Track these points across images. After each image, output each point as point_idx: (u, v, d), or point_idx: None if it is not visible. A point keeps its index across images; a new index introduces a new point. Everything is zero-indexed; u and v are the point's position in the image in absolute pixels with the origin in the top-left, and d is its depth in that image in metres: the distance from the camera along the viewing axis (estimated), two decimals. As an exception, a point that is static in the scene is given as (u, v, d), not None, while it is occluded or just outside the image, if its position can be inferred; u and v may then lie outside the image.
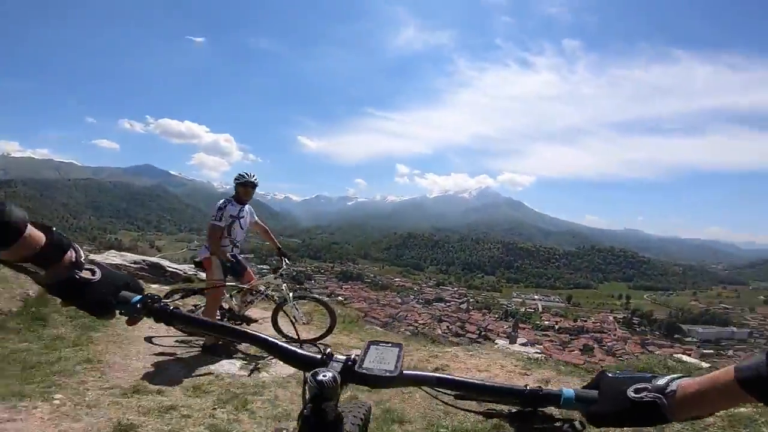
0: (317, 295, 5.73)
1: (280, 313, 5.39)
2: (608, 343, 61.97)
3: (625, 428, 0.67)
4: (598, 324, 75.79)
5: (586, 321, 77.92)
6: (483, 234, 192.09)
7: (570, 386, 0.74)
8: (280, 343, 0.82)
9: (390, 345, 0.84)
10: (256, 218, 5.47)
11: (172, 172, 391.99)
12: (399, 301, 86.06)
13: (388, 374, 0.75)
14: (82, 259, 0.78)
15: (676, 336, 66.69)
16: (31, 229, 0.74)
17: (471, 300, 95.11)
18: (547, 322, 78.25)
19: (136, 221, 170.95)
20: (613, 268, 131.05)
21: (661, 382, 0.64)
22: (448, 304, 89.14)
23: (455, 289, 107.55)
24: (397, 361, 0.78)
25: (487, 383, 0.77)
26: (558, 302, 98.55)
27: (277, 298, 5.27)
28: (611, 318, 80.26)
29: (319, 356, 0.79)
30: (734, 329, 65.22)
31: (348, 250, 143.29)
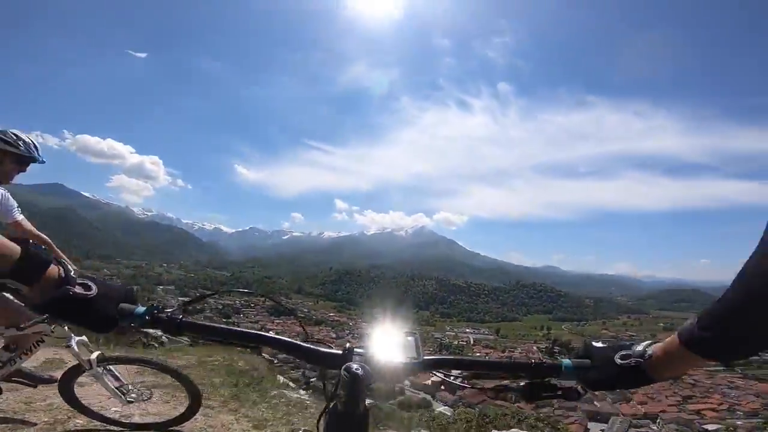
0: (163, 362, 2.82)
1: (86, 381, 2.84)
2: (532, 359, 65.59)
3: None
4: (524, 354, 79.73)
5: (513, 351, 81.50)
6: (418, 271, 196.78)
7: None
8: (301, 343, 0.80)
9: (406, 334, 0.85)
10: (16, 215, 2.89)
11: (85, 194, 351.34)
12: (334, 336, 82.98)
13: (413, 361, 0.77)
14: (72, 274, 0.74)
15: (587, 343, 72.43)
16: (2, 239, 0.69)
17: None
18: (478, 354, 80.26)
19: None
20: (535, 302, 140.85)
21: (640, 348, 0.76)
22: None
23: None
24: (417, 348, 0.80)
25: (497, 360, 0.85)
26: (488, 335, 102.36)
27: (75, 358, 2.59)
28: (535, 348, 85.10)
29: (340, 352, 0.79)
30: (637, 354, 72.72)
31: (281, 284, 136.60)
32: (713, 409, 36.97)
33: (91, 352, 2.63)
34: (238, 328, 0.82)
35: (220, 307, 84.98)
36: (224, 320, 78.54)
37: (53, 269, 0.73)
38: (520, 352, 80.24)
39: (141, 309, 0.80)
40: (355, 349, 0.79)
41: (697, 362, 0.69)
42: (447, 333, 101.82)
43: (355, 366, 0.70)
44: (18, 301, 2.44)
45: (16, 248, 0.70)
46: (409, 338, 0.84)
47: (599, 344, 0.82)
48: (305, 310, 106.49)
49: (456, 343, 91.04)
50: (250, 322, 79.22)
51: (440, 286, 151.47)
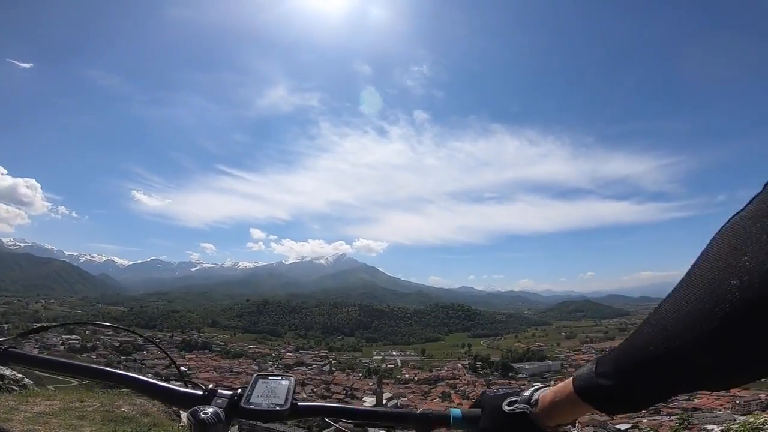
0: None
1: None
2: (461, 388, 67.47)
3: None
4: (450, 371, 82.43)
5: (440, 370, 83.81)
6: (341, 298, 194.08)
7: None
8: (154, 381, 0.72)
9: (280, 377, 0.78)
10: None
11: None
12: (256, 368, 76.81)
13: (278, 408, 0.70)
14: None
15: (510, 374, 77.67)
16: None
17: (333, 361, 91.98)
18: (407, 375, 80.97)
19: None
20: (455, 322, 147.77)
21: (527, 393, 0.71)
22: (310, 367, 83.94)
23: (316, 351, 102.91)
24: (287, 393, 0.73)
25: (381, 410, 0.78)
26: (414, 356, 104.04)
27: None
28: (459, 365, 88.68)
29: (201, 392, 0.72)
30: (550, 362, 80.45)
31: (191, 318, 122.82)
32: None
33: None
34: (78, 362, 0.72)
35: (117, 344, 73.29)
36: (123, 358, 67.41)
37: None
38: (446, 370, 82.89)
39: None
40: (219, 391, 0.73)
41: (588, 411, 0.62)
42: (374, 357, 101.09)
43: (206, 410, 0.64)
44: None
45: None
46: (283, 382, 0.77)
47: (492, 392, 0.76)
48: (221, 344, 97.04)
49: (384, 366, 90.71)
50: (156, 358, 69.45)
51: (364, 312, 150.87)
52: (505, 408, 0.71)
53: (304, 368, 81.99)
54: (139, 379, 0.69)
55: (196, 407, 0.64)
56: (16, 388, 5.83)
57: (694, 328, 0.54)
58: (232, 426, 0.66)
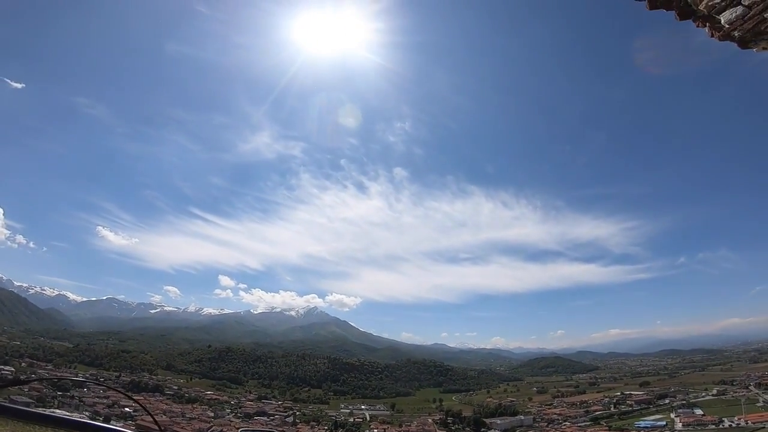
0: None
1: None
2: None
3: None
4: (421, 427, 78.45)
5: (410, 425, 79.74)
6: (310, 350, 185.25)
7: None
8: (114, 428, 0.68)
9: None
10: None
11: None
12: (211, 414, 70.67)
13: None
14: None
15: (482, 429, 74.47)
16: None
17: (297, 413, 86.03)
18: (375, 430, 76.48)
19: None
20: (426, 377, 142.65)
21: None
22: (272, 417, 78.07)
23: (280, 402, 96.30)
24: None
25: None
26: (383, 410, 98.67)
27: None
28: (430, 420, 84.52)
29: None
30: (522, 417, 77.89)
31: (144, 359, 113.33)
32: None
33: None
34: (60, 415, 0.68)
35: (56, 380, 66.54)
36: (59, 393, 60.64)
37: None
38: (417, 426, 78.92)
39: None
40: None
41: None
42: (342, 410, 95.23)
43: None
44: None
45: None
46: None
47: None
48: (175, 387, 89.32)
49: (352, 420, 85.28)
50: (97, 397, 63.28)
51: (333, 365, 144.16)
52: None
53: (265, 418, 76.29)
54: (111, 428, 0.67)
55: None
56: None
57: None
58: None
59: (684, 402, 71.72)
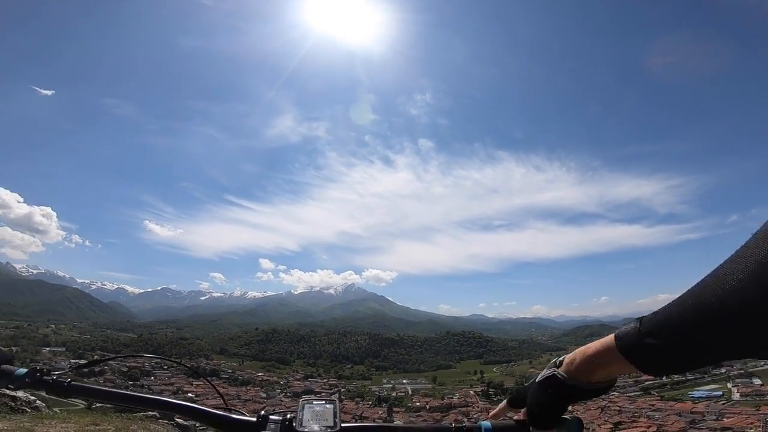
0: None
1: None
2: (474, 415, 66.18)
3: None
4: (463, 399, 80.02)
5: (452, 398, 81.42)
6: (350, 327, 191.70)
7: None
8: (207, 408, 0.76)
9: (324, 402, 0.82)
10: None
11: None
12: (264, 395, 75.45)
13: (329, 430, 0.74)
14: None
15: (525, 383, 75.14)
16: None
17: (342, 389, 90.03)
18: (418, 404, 78.74)
19: None
20: (466, 349, 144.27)
21: (553, 360, 0.74)
22: (318, 395, 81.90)
23: (325, 380, 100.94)
24: (334, 416, 0.77)
25: (418, 426, 0.84)
26: (425, 384, 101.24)
27: None
28: (472, 392, 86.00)
29: (254, 419, 0.75)
30: (564, 386, 77.36)
31: (200, 345, 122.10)
32: (645, 432, 40.26)
33: None
34: (136, 393, 0.76)
35: (125, 369, 73.06)
36: (130, 383, 66.93)
37: None
38: (458, 398, 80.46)
39: (22, 370, 0.76)
40: (271, 417, 0.76)
41: (626, 370, 0.63)
42: (384, 386, 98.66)
43: None
44: None
45: None
46: (328, 406, 0.80)
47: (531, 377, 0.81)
48: (229, 371, 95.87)
49: (395, 394, 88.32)
50: (164, 384, 69.13)
51: (373, 341, 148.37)
52: (538, 379, 0.74)
53: (312, 396, 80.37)
54: (197, 408, 0.73)
55: None
56: (28, 410, 6.03)
57: (738, 295, 0.58)
58: None
59: (742, 371, 68.16)
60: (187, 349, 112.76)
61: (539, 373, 0.74)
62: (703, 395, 59.16)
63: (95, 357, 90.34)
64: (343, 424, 0.76)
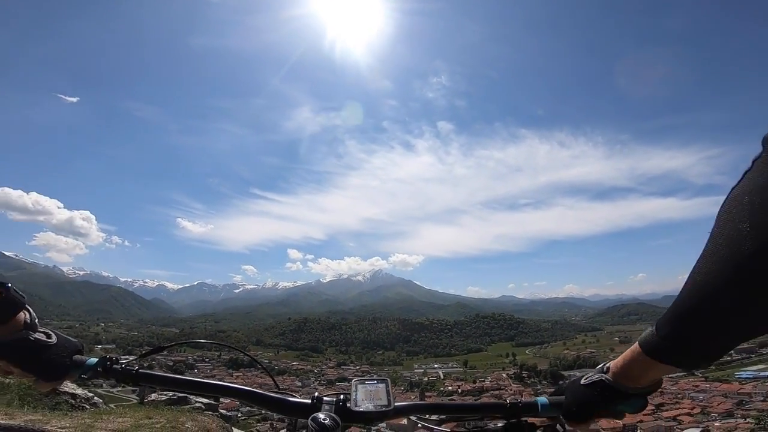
0: None
1: None
2: (507, 398, 65.85)
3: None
4: (495, 382, 79.77)
5: (484, 381, 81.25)
6: (379, 313, 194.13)
7: None
8: (265, 392, 0.79)
9: (376, 381, 0.83)
10: None
11: (6, 253, 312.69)
12: (299, 384, 78.06)
13: (384, 409, 0.76)
14: (36, 321, 0.76)
15: (560, 382, 73.88)
16: None
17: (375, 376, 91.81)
18: (450, 387, 79.13)
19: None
20: (497, 331, 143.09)
21: (600, 365, 0.78)
22: (370, 375, 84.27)
23: (357, 367, 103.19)
24: (387, 395, 0.79)
25: (473, 403, 0.84)
26: (456, 367, 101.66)
27: None
28: (504, 375, 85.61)
29: (309, 401, 0.77)
30: (602, 368, 75.76)
31: (237, 337, 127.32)
32: (688, 414, 38.48)
33: None
34: (199, 379, 0.80)
35: (171, 363, 77.23)
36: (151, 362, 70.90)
37: (23, 315, 0.74)
38: (491, 381, 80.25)
39: (93, 360, 0.80)
40: (324, 398, 0.78)
41: (661, 370, 0.68)
42: (416, 370, 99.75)
43: (322, 416, 0.69)
44: None
45: None
46: (380, 385, 0.81)
47: (570, 377, 0.82)
48: (266, 361, 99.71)
49: (426, 379, 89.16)
50: (206, 376, 72.69)
51: (403, 326, 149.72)
52: (583, 382, 0.77)
53: (346, 383, 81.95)
54: (256, 392, 0.77)
55: (315, 414, 0.70)
56: (87, 406, 6.39)
57: (720, 275, 0.60)
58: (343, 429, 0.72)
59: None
60: (226, 342, 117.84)
61: (583, 375, 0.78)
62: (750, 376, 56.38)
63: (143, 352, 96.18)
64: (396, 403, 0.78)
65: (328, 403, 0.76)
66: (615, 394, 0.73)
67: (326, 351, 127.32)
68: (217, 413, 6.65)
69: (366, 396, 0.78)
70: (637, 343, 0.69)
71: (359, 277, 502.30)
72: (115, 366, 0.80)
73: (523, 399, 0.80)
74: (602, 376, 0.74)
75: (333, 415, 0.70)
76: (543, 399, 0.81)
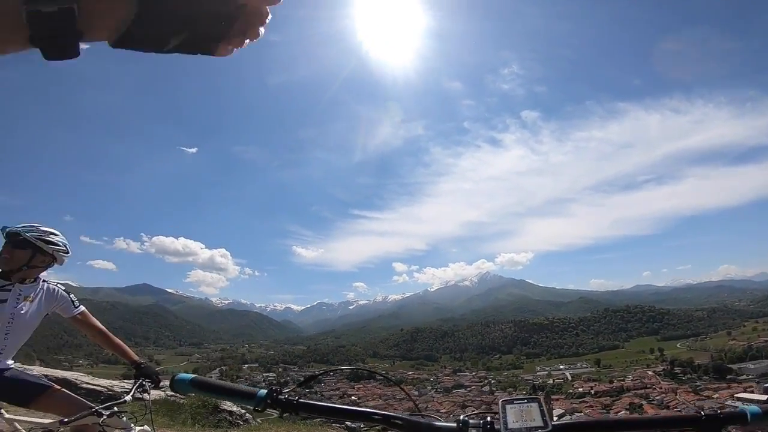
0: None
1: None
2: (656, 397, 57.06)
3: None
4: (638, 380, 69.46)
5: (623, 380, 71.34)
6: (492, 317, 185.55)
7: None
8: (411, 418, 0.77)
9: (526, 401, 0.74)
10: (73, 311, 2.65)
11: (169, 290, 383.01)
12: (416, 393, 78.41)
13: (540, 430, 0.67)
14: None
15: (728, 376, 60.84)
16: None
17: (492, 381, 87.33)
18: (581, 389, 71.40)
19: (134, 338, 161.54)
20: (635, 325, 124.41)
21: None
22: (468, 389, 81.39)
23: (473, 373, 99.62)
24: (542, 415, 0.70)
25: (649, 417, 0.71)
26: (586, 368, 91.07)
27: None
28: (650, 373, 73.69)
29: (454, 424, 0.73)
30: (786, 358, 60.09)
31: (356, 351, 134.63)
32: None
33: None
34: (356, 407, 0.80)
35: (301, 378, 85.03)
36: (306, 390, 77.73)
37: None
38: (632, 380, 69.94)
39: (263, 392, 0.84)
40: (470, 421, 0.72)
41: None
42: (538, 373, 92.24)
43: None
44: (78, 397, 2.52)
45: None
46: (532, 404, 0.73)
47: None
48: (383, 372, 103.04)
49: (551, 381, 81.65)
50: (331, 390, 77.80)
51: (519, 328, 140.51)
52: None
53: (463, 390, 80.00)
54: (404, 417, 0.75)
55: None
56: (241, 422, 7.20)
57: None
58: None
59: None
60: (346, 355, 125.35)
61: None
62: None
63: (279, 369, 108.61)
64: (555, 422, 0.69)
65: (474, 426, 0.71)
66: None
67: (440, 359, 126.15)
68: (343, 425, 7.06)
69: (517, 417, 0.71)
70: None
71: (466, 282, 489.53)
72: (279, 397, 0.83)
73: (724, 410, 0.66)
74: None
75: None
76: (754, 407, 0.66)
